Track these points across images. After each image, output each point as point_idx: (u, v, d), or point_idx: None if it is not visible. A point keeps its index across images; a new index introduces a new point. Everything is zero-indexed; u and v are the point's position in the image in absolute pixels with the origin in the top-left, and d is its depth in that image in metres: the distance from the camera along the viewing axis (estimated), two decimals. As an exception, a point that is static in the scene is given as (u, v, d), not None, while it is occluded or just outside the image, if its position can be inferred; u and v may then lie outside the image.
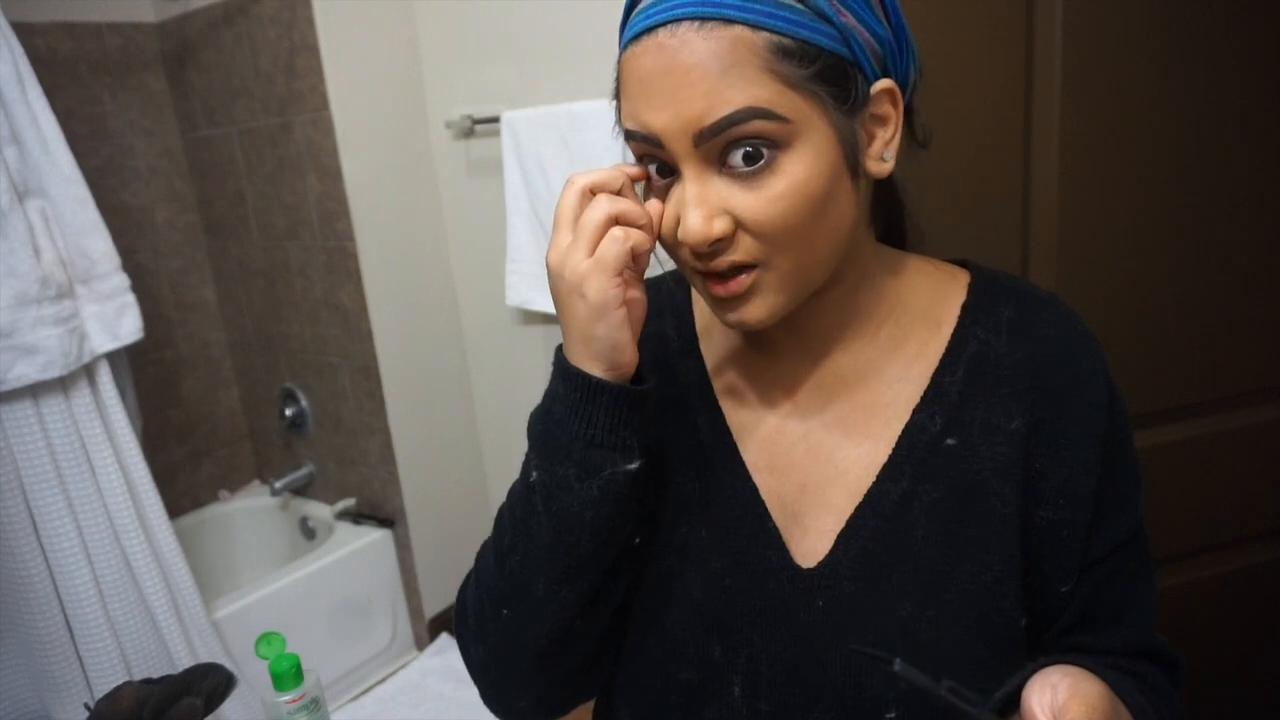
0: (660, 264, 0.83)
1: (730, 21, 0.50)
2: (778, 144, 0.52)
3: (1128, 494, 0.64)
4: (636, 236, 0.56)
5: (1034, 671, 0.50)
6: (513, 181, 1.89)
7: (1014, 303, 0.65)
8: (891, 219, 0.69)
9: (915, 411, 0.63)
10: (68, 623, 1.67)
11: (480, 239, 2.11)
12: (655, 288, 0.75)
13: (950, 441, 0.62)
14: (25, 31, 1.78)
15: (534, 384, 2.12)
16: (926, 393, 0.63)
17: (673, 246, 0.58)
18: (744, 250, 0.55)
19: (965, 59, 1.09)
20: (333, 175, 1.98)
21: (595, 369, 0.57)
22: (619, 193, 0.58)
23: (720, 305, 0.59)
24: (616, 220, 0.56)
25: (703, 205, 0.54)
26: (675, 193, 0.56)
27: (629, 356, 0.57)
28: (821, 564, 0.62)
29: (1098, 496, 0.62)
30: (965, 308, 0.65)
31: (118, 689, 0.76)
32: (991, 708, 0.50)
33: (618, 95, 0.59)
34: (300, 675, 0.89)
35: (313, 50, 1.89)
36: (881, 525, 0.62)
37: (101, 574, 1.69)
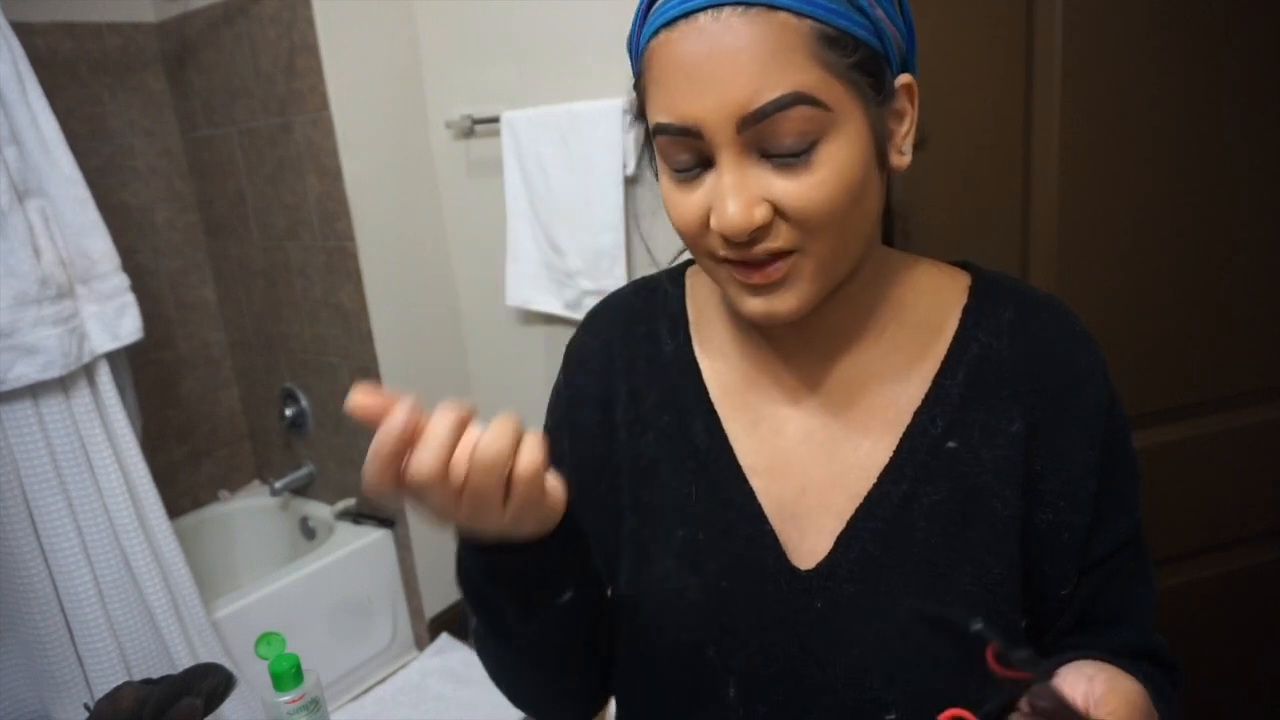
0: (656, 264, 0.83)
1: (775, 8, 0.50)
2: (819, 131, 0.52)
3: (1127, 495, 0.64)
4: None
5: (1066, 662, 0.50)
6: (513, 181, 1.89)
7: (1014, 305, 0.65)
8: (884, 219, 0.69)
9: (916, 414, 0.63)
10: (68, 623, 1.67)
11: (480, 239, 2.11)
12: (649, 288, 0.74)
13: (951, 444, 0.62)
14: (25, 31, 1.78)
15: (534, 384, 2.12)
16: (928, 395, 0.63)
17: (697, 237, 0.57)
18: (783, 238, 0.55)
19: (965, 59, 1.09)
20: (333, 175, 1.98)
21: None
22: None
23: (751, 293, 0.58)
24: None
25: (742, 193, 0.53)
26: (706, 182, 0.55)
27: (512, 534, 0.53)
28: (820, 566, 0.62)
29: (1097, 498, 0.61)
30: (966, 310, 0.65)
31: (118, 689, 0.76)
32: (1045, 673, 0.49)
33: (637, 87, 0.58)
34: (300, 675, 0.89)
35: (313, 50, 1.89)
36: (881, 527, 0.61)
37: (101, 574, 1.69)
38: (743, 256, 0.55)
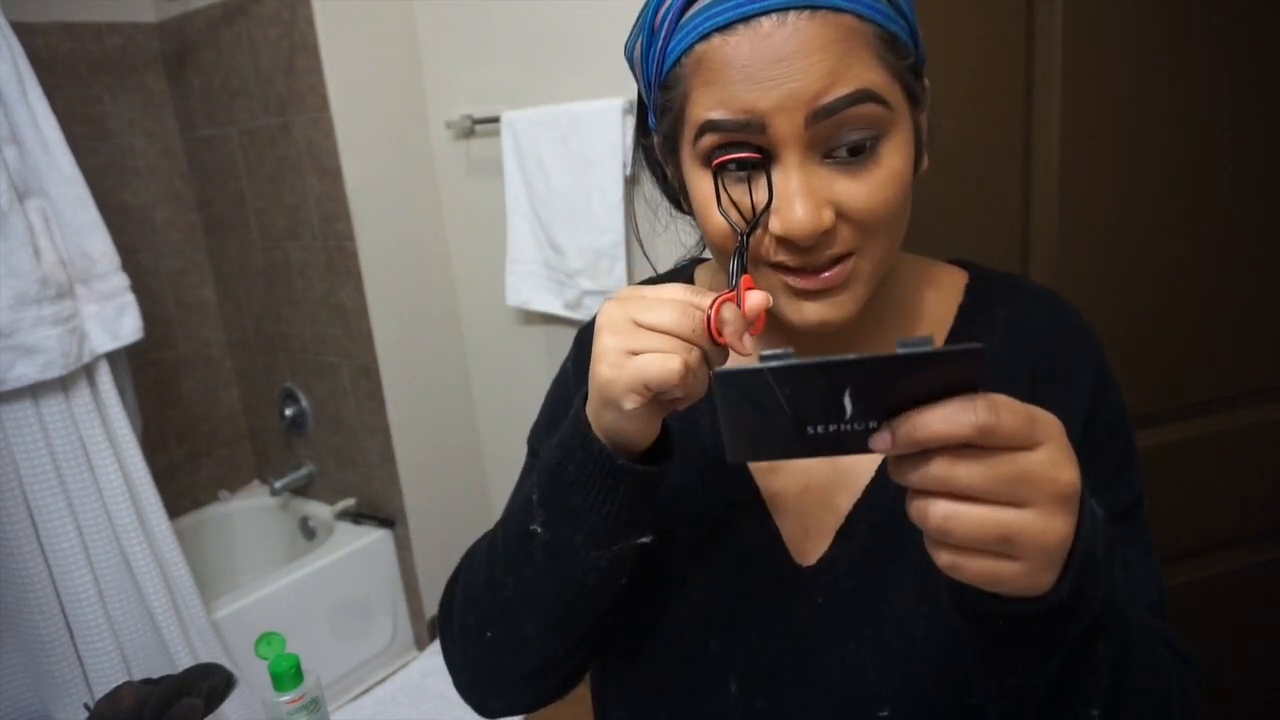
0: (648, 263, 0.83)
1: (840, 10, 0.50)
2: (881, 131, 0.52)
3: (1111, 474, 0.63)
4: (684, 389, 0.50)
5: None
6: (513, 181, 1.89)
7: (1009, 301, 0.66)
8: None
9: None
10: (68, 623, 1.67)
11: (480, 239, 2.11)
12: (672, 280, 0.74)
13: None
14: (25, 31, 1.78)
15: (534, 384, 2.12)
16: None
17: (744, 238, 0.54)
18: (843, 242, 0.54)
19: (965, 59, 1.09)
20: (333, 175, 1.98)
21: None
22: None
23: (807, 301, 0.56)
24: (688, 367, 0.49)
25: (811, 195, 0.52)
26: (758, 183, 0.53)
27: (637, 443, 0.53)
28: (820, 561, 0.63)
29: None
30: (962, 308, 0.66)
31: (118, 689, 0.76)
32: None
33: (667, 90, 0.56)
34: (300, 675, 0.89)
35: (313, 50, 1.89)
36: (879, 521, 0.62)
37: (101, 574, 1.69)
38: (803, 262, 0.54)
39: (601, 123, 1.68)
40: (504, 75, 1.91)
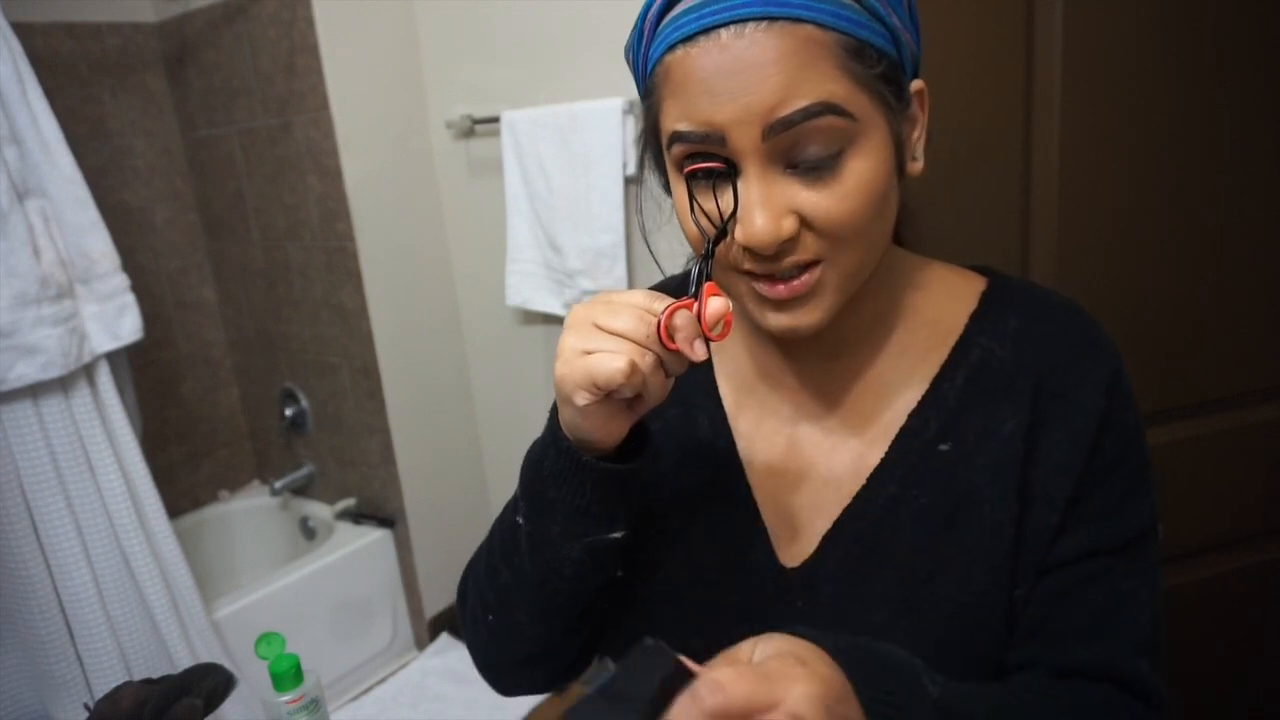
0: (661, 269, 0.83)
1: (799, 20, 0.50)
2: (846, 141, 0.52)
3: (1116, 502, 0.61)
4: (648, 391, 0.52)
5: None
6: (513, 181, 1.89)
7: (1024, 311, 0.64)
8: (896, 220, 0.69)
9: (910, 416, 0.63)
10: (68, 623, 1.67)
11: (480, 239, 2.11)
12: (662, 289, 0.74)
13: (944, 447, 0.61)
14: (25, 31, 1.78)
15: (534, 384, 2.12)
16: (924, 398, 0.63)
17: (710, 246, 0.55)
18: (809, 250, 0.54)
19: (965, 59, 1.09)
20: (333, 175, 1.98)
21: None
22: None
23: (774, 309, 0.57)
24: (636, 369, 0.51)
25: (770, 205, 0.52)
26: (725, 194, 0.54)
27: (597, 440, 0.55)
28: (804, 565, 0.63)
29: (1072, 500, 0.59)
30: (973, 316, 0.64)
31: (118, 689, 0.76)
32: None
33: (647, 102, 0.57)
34: (300, 675, 0.89)
35: (313, 50, 1.90)
36: (866, 529, 0.61)
37: (101, 574, 1.69)
38: (768, 270, 0.55)
39: (601, 123, 1.68)
40: (504, 75, 1.92)
